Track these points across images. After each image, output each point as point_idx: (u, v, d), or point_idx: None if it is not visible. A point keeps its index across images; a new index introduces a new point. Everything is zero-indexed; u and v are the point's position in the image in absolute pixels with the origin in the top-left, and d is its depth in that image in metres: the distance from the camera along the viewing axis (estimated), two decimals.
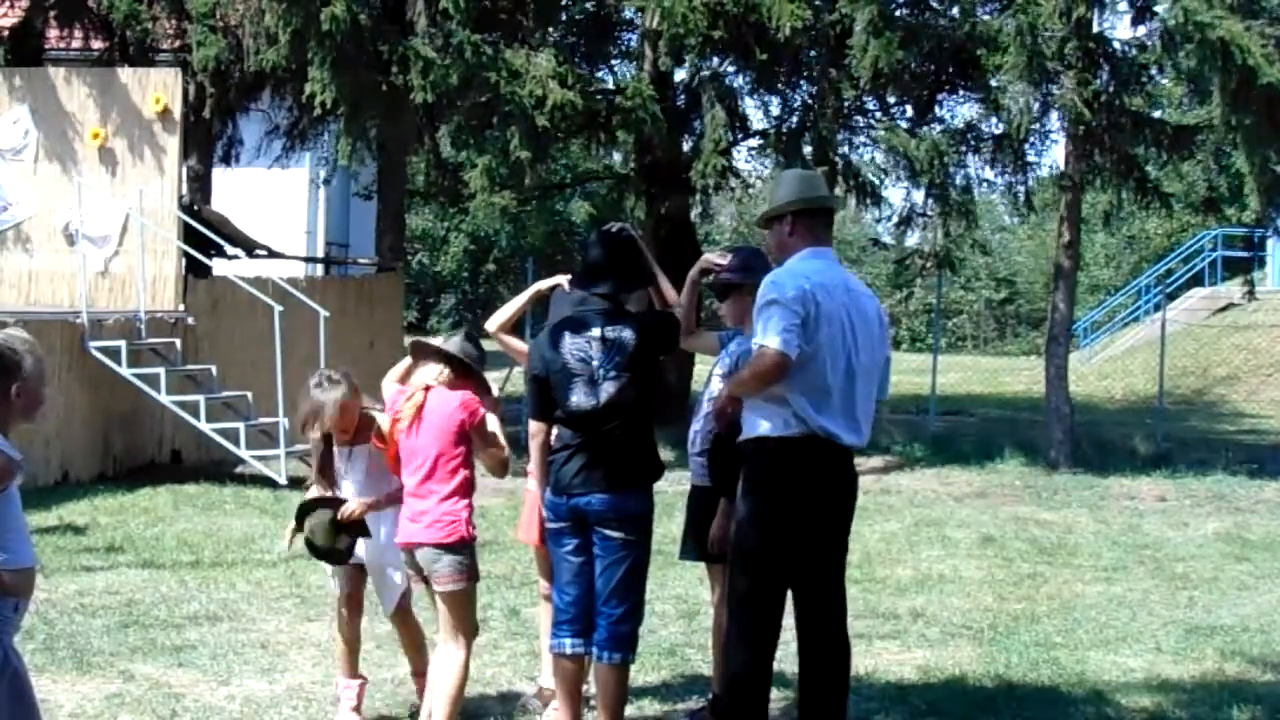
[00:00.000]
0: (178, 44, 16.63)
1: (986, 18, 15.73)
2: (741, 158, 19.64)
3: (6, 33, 17.03)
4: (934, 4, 16.69)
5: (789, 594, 5.32)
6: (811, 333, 5.15)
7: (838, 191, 16.38)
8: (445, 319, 38.32)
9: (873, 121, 17.92)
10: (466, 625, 5.48)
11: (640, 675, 6.53)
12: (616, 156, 20.82)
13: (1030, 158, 17.34)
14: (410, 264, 33.82)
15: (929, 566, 10.03)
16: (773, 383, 5.13)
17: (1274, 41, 14.41)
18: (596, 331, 5.42)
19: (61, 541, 10.02)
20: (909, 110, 17.65)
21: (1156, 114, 17.37)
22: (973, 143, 16.96)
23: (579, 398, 5.39)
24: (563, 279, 6.06)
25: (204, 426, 13.43)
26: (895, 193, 60.63)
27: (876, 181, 17.38)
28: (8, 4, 17.60)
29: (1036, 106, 15.69)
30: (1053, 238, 20.15)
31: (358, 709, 5.98)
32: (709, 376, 6.10)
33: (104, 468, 13.88)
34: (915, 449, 16.52)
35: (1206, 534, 11.80)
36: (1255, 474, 15.37)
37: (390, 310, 19.00)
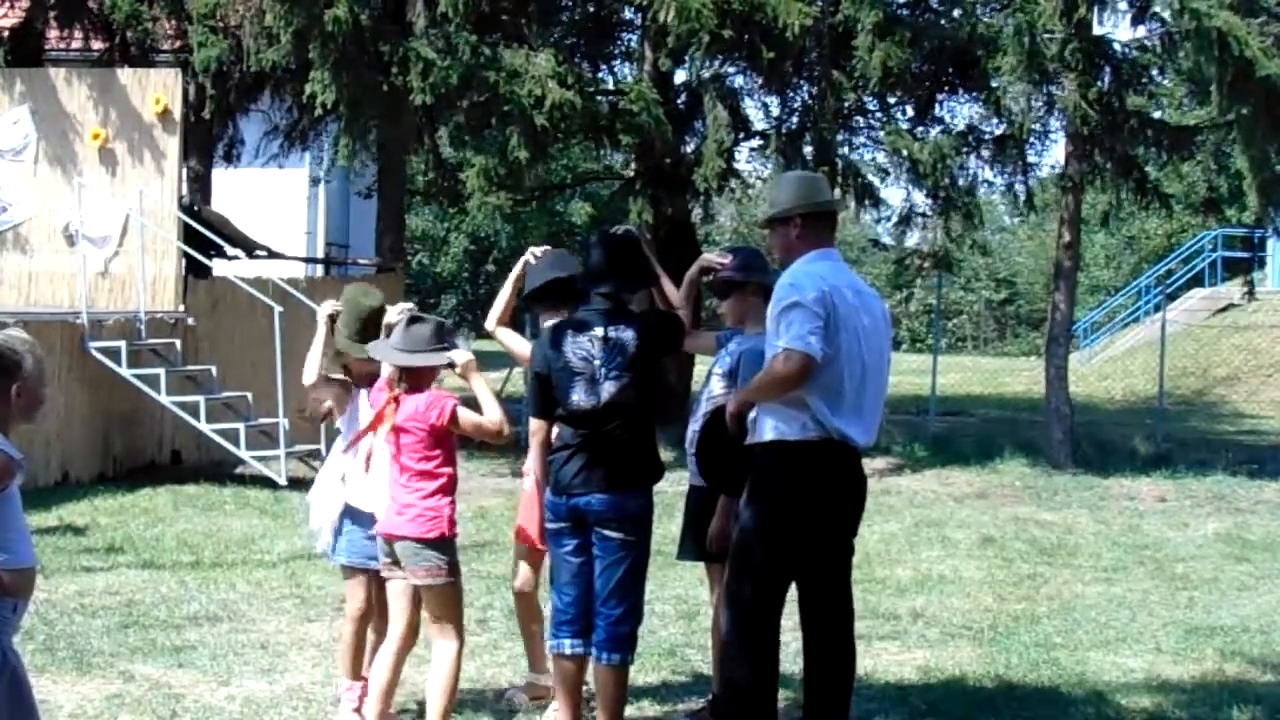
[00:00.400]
0: (178, 44, 16.63)
1: (987, 19, 15.74)
2: (742, 158, 19.65)
3: (7, 33, 17.03)
4: (935, 5, 16.70)
5: (795, 597, 5.31)
6: (831, 335, 5.16)
7: (836, 192, 16.39)
8: (445, 319, 38.29)
9: (873, 122, 17.93)
10: (453, 619, 5.48)
11: (640, 675, 6.53)
12: (617, 157, 20.82)
13: (1030, 158, 17.36)
14: (410, 264, 33.82)
15: (929, 567, 10.03)
16: (797, 386, 5.13)
17: (1273, 39, 14.41)
18: (599, 331, 5.42)
19: (61, 542, 10.02)
20: (909, 111, 17.67)
21: (1156, 114, 17.35)
22: (973, 143, 16.96)
23: (580, 397, 5.39)
24: (531, 252, 6.11)
25: (204, 427, 13.43)
26: (895, 193, 60.66)
27: (876, 182, 17.40)
28: (8, 5, 17.60)
29: (1037, 107, 15.70)
30: (1053, 238, 20.16)
31: (359, 710, 5.98)
32: (707, 376, 6.09)
33: (104, 468, 13.88)
34: (915, 449, 16.52)
35: (1206, 534, 11.80)
36: (1255, 474, 15.37)
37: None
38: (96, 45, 17.21)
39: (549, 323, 5.88)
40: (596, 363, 5.38)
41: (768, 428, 5.25)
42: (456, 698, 5.56)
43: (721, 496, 5.63)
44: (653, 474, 5.50)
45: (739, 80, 17.80)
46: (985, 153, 17.07)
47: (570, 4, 18.40)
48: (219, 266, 16.31)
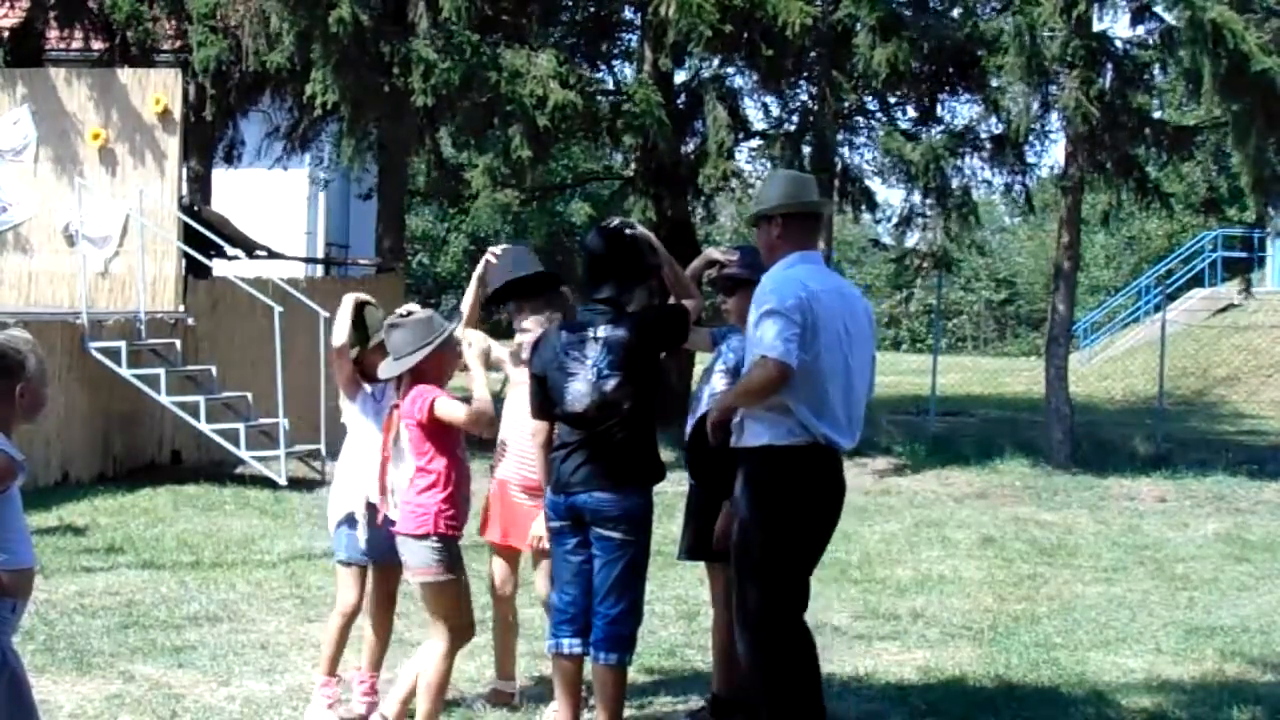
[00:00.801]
0: (178, 44, 16.63)
1: (987, 19, 15.74)
2: (742, 158, 19.66)
3: (7, 34, 17.04)
4: (935, 5, 16.70)
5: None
6: (810, 341, 5.15)
7: (835, 194, 16.42)
8: (445, 320, 38.28)
9: (873, 123, 17.93)
10: (445, 618, 5.47)
11: (640, 675, 6.53)
12: (617, 157, 20.83)
13: (1030, 158, 17.38)
14: (410, 264, 33.82)
15: (929, 567, 10.02)
16: (774, 394, 5.14)
17: (1271, 35, 14.39)
18: (593, 331, 5.43)
19: (61, 542, 10.02)
20: (910, 111, 17.67)
21: (1157, 114, 17.35)
22: (973, 144, 16.96)
23: (573, 397, 5.40)
24: (491, 252, 6.13)
25: (204, 427, 13.43)
26: (896, 193, 60.65)
27: (875, 185, 17.44)
28: (8, 5, 17.60)
29: (1036, 107, 15.69)
30: (1053, 238, 20.16)
31: (332, 708, 5.99)
32: (705, 373, 6.09)
33: (104, 468, 13.88)
34: (915, 450, 16.52)
35: (1206, 534, 11.80)
36: (1255, 474, 15.37)
37: (390, 311, 18.94)
38: (96, 45, 17.20)
39: (524, 321, 5.99)
40: (589, 363, 5.39)
41: (754, 433, 5.25)
42: (445, 697, 5.55)
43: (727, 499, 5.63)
44: (652, 473, 5.50)
45: (739, 80, 17.81)
46: (984, 153, 17.08)
47: (570, 4, 18.40)
48: (219, 266, 16.32)
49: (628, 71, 18.76)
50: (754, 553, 5.22)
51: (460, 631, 5.52)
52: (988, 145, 16.97)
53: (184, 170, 15.71)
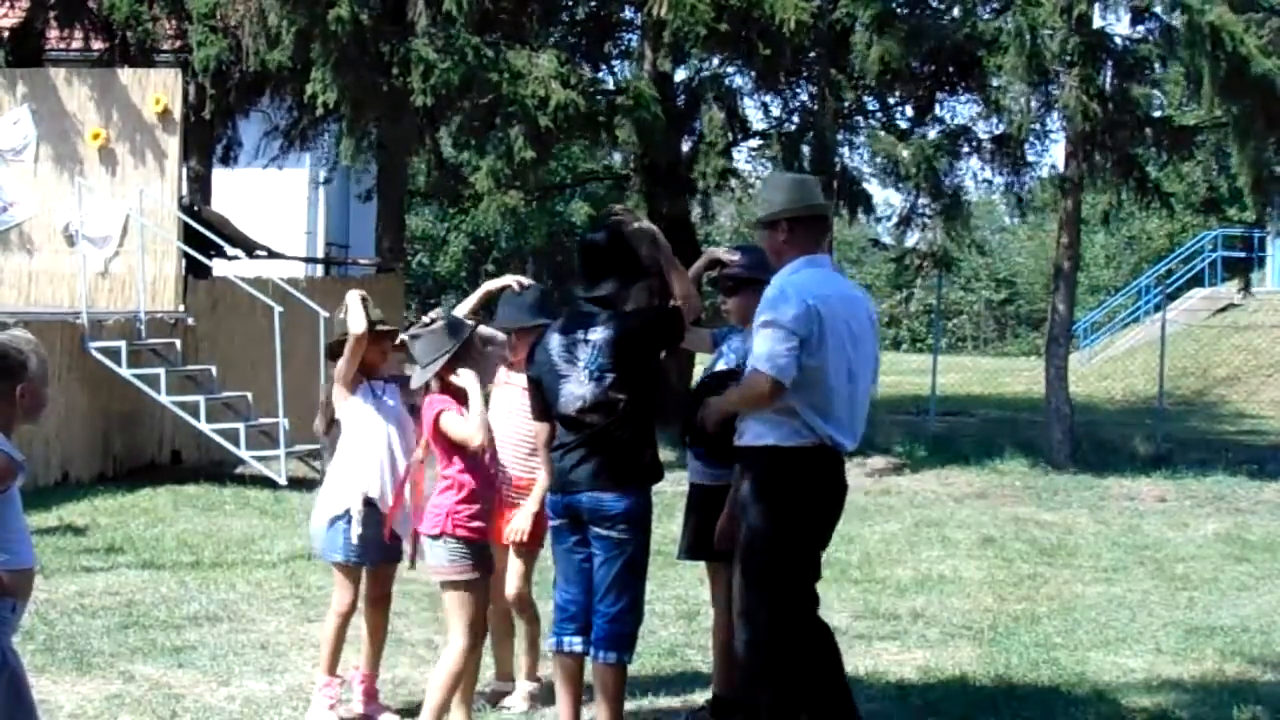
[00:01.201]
0: (178, 44, 16.63)
1: (987, 18, 15.73)
2: (742, 158, 19.67)
3: (7, 34, 17.03)
4: (934, 4, 16.70)
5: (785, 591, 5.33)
6: (815, 349, 5.15)
7: (834, 194, 16.40)
8: (448, 316, 38.27)
9: (873, 123, 17.92)
10: (461, 618, 5.51)
11: (640, 675, 6.53)
12: (617, 157, 20.84)
13: (1030, 158, 17.37)
14: (410, 264, 33.83)
15: (929, 567, 10.02)
16: (764, 408, 5.17)
17: (1270, 36, 14.38)
18: (584, 333, 5.43)
19: (61, 542, 10.02)
20: (908, 111, 17.66)
21: (1157, 113, 17.36)
22: (972, 143, 16.96)
23: (567, 398, 5.42)
24: (512, 280, 6.19)
25: (204, 427, 13.43)
26: (896, 194, 60.53)
27: (874, 186, 17.44)
28: (8, 5, 17.60)
29: (1036, 106, 15.69)
30: (1052, 238, 20.17)
31: (334, 709, 6.00)
32: (705, 372, 6.08)
33: (104, 468, 13.88)
34: (915, 449, 16.52)
35: (1206, 534, 11.79)
36: (1255, 474, 15.37)
37: (390, 311, 18.69)
38: (97, 45, 17.20)
39: (516, 354, 6.09)
40: (581, 363, 5.40)
41: (757, 433, 5.25)
42: (453, 695, 5.55)
43: (729, 496, 5.62)
44: (650, 473, 5.49)
45: (738, 80, 17.81)
46: (984, 153, 17.08)
47: (570, 4, 18.40)
48: (219, 266, 16.31)
49: (628, 71, 18.76)
50: (760, 556, 5.22)
51: (466, 628, 5.54)
52: (987, 145, 16.98)
53: (184, 170, 15.70)
